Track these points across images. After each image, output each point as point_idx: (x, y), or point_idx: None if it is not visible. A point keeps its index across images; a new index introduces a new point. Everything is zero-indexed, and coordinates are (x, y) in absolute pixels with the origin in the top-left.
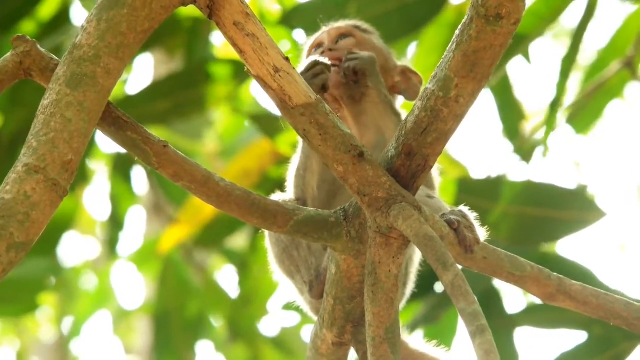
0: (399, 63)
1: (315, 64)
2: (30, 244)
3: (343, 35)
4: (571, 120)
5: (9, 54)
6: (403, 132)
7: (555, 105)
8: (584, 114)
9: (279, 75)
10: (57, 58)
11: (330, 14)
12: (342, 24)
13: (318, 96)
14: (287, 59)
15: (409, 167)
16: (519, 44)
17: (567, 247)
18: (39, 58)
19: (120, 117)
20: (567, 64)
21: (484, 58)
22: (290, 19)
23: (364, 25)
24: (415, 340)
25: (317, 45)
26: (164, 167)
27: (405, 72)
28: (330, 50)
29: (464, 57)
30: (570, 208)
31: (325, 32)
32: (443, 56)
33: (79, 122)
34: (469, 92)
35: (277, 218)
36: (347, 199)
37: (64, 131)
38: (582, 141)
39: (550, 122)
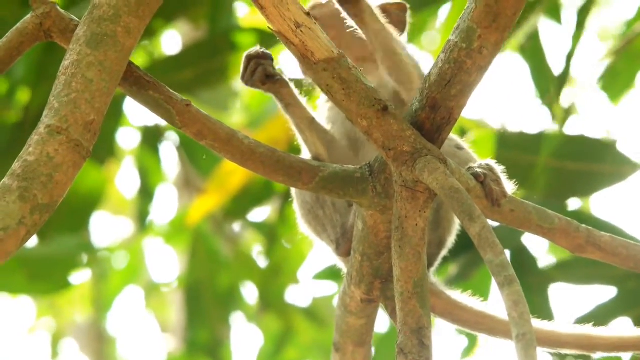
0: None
1: (248, 61)
2: (55, 205)
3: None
4: (604, 87)
5: (28, 15)
6: (427, 85)
7: (569, 58)
8: (616, 81)
9: (301, 31)
10: (77, 19)
11: None
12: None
13: (340, 50)
14: (308, 14)
15: (434, 120)
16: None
17: (600, 205)
18: (59, 19)
19: (142, 77)
20: (582, 15)
21: (506, 8)
22: None
23: None
24: (454, 292)
25: None
26: (188, 126)
27: (385, 10)
28: None
29: (486, 8)
30: (605, 161)
31: None
32: (465, 7)
33: (101, 82)
34: (493, 43)
35: (302, 175)
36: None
37: (86, 91)
38: (615, 110)
39: (564, 75)
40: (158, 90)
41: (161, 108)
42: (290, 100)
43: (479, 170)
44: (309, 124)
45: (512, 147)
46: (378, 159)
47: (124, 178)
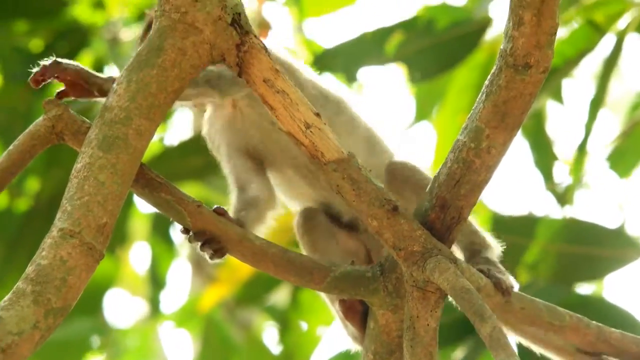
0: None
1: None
2: (68, 308)
3: None
4: (613, 164)
5: (40, 118)
6: (436, 185)
7: (583, 146)
8: (626, 157)
9: (310, 131)
10: (88, 121)
11: (364, 53)
12: None
13: (350, 151)
14: (317, 114)
15: (443, 219)
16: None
17: (609, 287)
18: (71, 121)
19: (153, 178)
20: (595, 105)
21: (514, 107)
22: (324, 61)
23: None
24: None
25: None
26: (199, 227)
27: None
28: None
29: (494, 108)
30: (610, 246)
31: None
32: (473, 107)
33: (113, 184)
34: (501, 143)
35: (314, 275)
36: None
37: (98, 194)
38: (625, 184)
39: (578, 164)
40: (170, 192)
41: (173, 209)
42: None
43: (481, 266)
44: None
45: (510, 230)
46: (389, 258)
47: (138, 257)
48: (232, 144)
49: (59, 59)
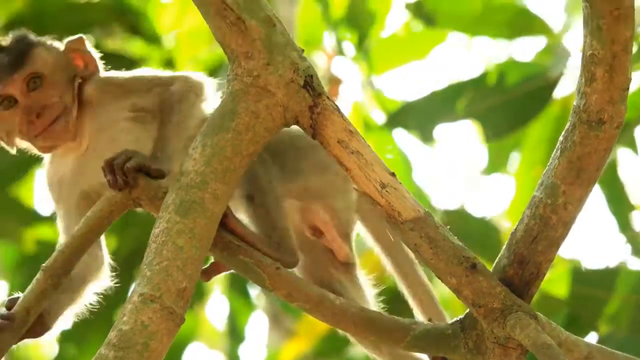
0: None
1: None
2: None
3: (32, 78)
4: None
5: None
6: (514, 241)
7: None
8: None
9: (386, 191)
10: (165, 186)
11: (435, 111)
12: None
13: (426, 210)
14: (393, 174)
15: (522, 275)
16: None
17: None
18: (147, 187)
19: (231, 241)
20: None
21: (589, 163)
22: (397, 120)
23: (35, 53)
24: None
25: (5, 99)
26: (278, 289)
27: (68, 52)
28: (30, 109)
29: (569, 164)
30: None
31: (9, 82)
32: (548, 163)
33: (191, 249)
34: (577, 198)
35: (394, 333)
36: None
37: (177, 259)
38: None
39: None
40: (248, 254)
41: (252, 272)
42: None
43: None
44: None
45: (590, 283)
46: (468, 315)
47: (216, 311)
48: (77, 195)
49: (115, 161)
